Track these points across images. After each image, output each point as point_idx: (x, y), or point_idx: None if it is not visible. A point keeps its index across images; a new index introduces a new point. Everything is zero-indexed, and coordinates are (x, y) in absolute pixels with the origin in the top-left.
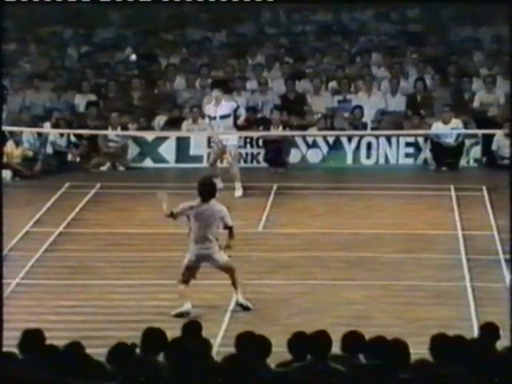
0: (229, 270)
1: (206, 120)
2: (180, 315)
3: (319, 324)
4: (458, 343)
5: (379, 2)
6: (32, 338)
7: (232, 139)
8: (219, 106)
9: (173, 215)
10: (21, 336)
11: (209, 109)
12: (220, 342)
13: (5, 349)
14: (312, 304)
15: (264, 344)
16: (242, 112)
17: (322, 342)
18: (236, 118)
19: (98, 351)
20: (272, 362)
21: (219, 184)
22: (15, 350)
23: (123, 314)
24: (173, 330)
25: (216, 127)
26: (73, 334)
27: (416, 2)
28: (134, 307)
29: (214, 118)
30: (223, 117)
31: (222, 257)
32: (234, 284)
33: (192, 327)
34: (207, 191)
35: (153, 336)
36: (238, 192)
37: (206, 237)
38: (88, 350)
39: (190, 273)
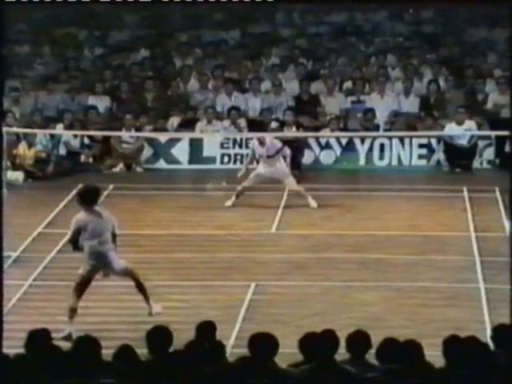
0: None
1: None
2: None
3: (332, 325)
4: (471, 345)
5: (391, 2)
6: (38, 338)
7: (280, 170)
8: (265, 145)
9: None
10: (27, 336)
11: (256, 148)
12: (233, 343)
13: (17, 350)
14: (325, 305)
15: (274, 343)
16: (287, 152)
17: (328, 341)
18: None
19: (110, 352)
20: (285, 363)
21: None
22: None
23: (135, 315)
24: (186, 332)
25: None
26: None
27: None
28: (146, 308)
29: (261, 156)
30: (269, 157)
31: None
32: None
33: (206, 328)
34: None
35: (159, 335)
36: (313, 203)
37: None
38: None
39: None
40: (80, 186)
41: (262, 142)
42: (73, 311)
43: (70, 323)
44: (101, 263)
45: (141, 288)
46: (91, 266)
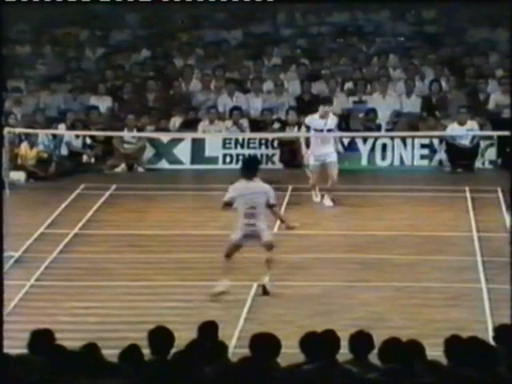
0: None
1: (306, 130)
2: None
3: (334, 325)
4: (473, 345)
5: (392, 2)
6: (42, 339)
7: (333, 156)
8: (327, 120)
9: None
10: (30, 336)
11: (313, 121)
12: (235, 343)
13: (19, 351)
14: (327, 305)
15: (276, 343)
16: (339, 147)
17: (330, 341)
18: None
19: (112, 352)
20: (287, 363)
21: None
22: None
23: (138, 315)
24: (188, 331)
25: (319, 140)
26: (87, 335)
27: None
28: (148, 308)
29: (321, 130)
30: (329, 130)
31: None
32: (267, 262)
33: (209, 328)
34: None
35: (160, 335)
36: (328, 202)
37: (251, 214)
38: (102, 352)
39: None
40: (82, 186)
41: (323, 116)
42: (227, 270)
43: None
44: (250, 234)
45: (268, 264)
46: (242, 235)
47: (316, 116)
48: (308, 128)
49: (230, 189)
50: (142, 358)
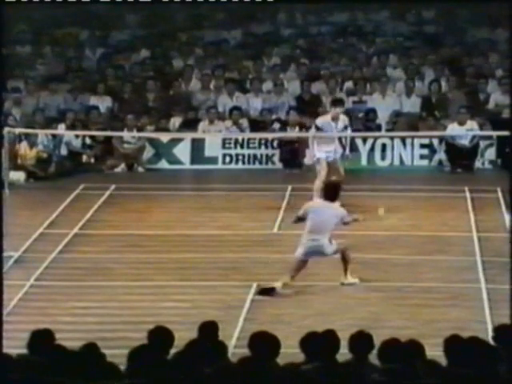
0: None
1: (315, 131)
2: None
3: (334, 325)
4: (473, 345)
5: (392, 2)
6: (41, 339)
7: (338, 152)
8: (338, 121)
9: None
10: (30, 336)
11: (325, 123)
12: (235, 343)
13: (19, 351)
14: (327, 305)
15: (276, 343)
16: (349, 131)
17: (330, 341)
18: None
19: (112, 352)
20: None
21: None
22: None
23: (137, 315)
24: (188, 331)
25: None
26: (87, 335)
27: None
28: (148, 308)
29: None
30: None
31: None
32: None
33: (209, 328)
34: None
35: (160, 335)
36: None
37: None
38: (102, 351)
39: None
40: (82, 186)
41: (334, 118)
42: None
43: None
44: (314, 252)
45: (344, 259)
46: (306, 253)
47: (328, 118)
48: (317, 129)
49: (305, 205)
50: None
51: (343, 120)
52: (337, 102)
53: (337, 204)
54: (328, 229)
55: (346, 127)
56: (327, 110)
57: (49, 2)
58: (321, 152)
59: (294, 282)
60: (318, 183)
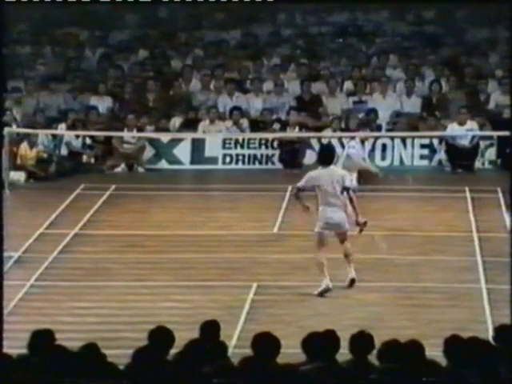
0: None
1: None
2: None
3: (334, 326)
4: (473, 345)
5: (392, 2)
6: (42, 339)
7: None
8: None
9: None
10: (30, 336)
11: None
12: (235, 343)
13: (19, 351)
14: (327, 306)
15: (276, 343)
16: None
17: (330, 341)
18: None
19: (112, 352)
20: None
21: None
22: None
23: (138, 315)
24: (188, 331)
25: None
26: (87, 335)
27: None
28: (148, 309)
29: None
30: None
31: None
32: (346, 257)
33: (211, 327)
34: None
35: (160, 335)
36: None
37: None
38: (102, 352)
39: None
40: (82, 186)
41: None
42: (321, 265)
43: (324, 277)
44: (331, 222)
45: (348, 258)
46: (324, 224)
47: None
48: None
49: (305, 176)
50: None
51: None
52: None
53: (336, 167)
54: (336, 194)
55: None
56: (326, 111)
57: (49, 2)
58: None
59: (326, 254)
60: None
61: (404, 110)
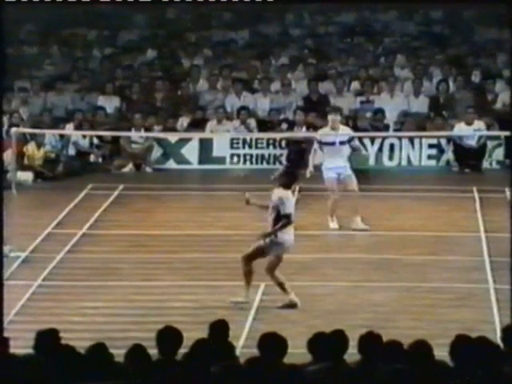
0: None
1: (319, 146)
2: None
3: (342, 326)
4: (480, 345)
5: (400, 2)
6: (47, 338)
7: (347, 169)
8: (338, 131)
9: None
10: (35, 336)
11: (325, 135)
12: (243, 343)
13: (27, 351)
14: (335, 306)
15: (283, 343)
16: (357, 143)
17: (338, 341)
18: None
19: (120, 352)
20: (294, 363)
21: None
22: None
23: (145, 315)
24: (196, 331)
25: (331, 152)
26: (95, 335)
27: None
28: (156, 308)
29: (333, 143)
30: (342, 143)
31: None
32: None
33: (220, 327)
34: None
35: (169, 335)
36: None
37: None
38: (110, 351)
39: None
40: (90, 186)
41: (333, 128)
42: (281, 284)
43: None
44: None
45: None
46: (283, 247)
47: (327, 129)
48: (320, 143)
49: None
50: (148, 358)
51: (343, 129)
52: (331, 109)
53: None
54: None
55: (350, 140)
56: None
57: (55, 2)
58: (329, 171)
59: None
60: (331, 204)
61: (411, 109)
